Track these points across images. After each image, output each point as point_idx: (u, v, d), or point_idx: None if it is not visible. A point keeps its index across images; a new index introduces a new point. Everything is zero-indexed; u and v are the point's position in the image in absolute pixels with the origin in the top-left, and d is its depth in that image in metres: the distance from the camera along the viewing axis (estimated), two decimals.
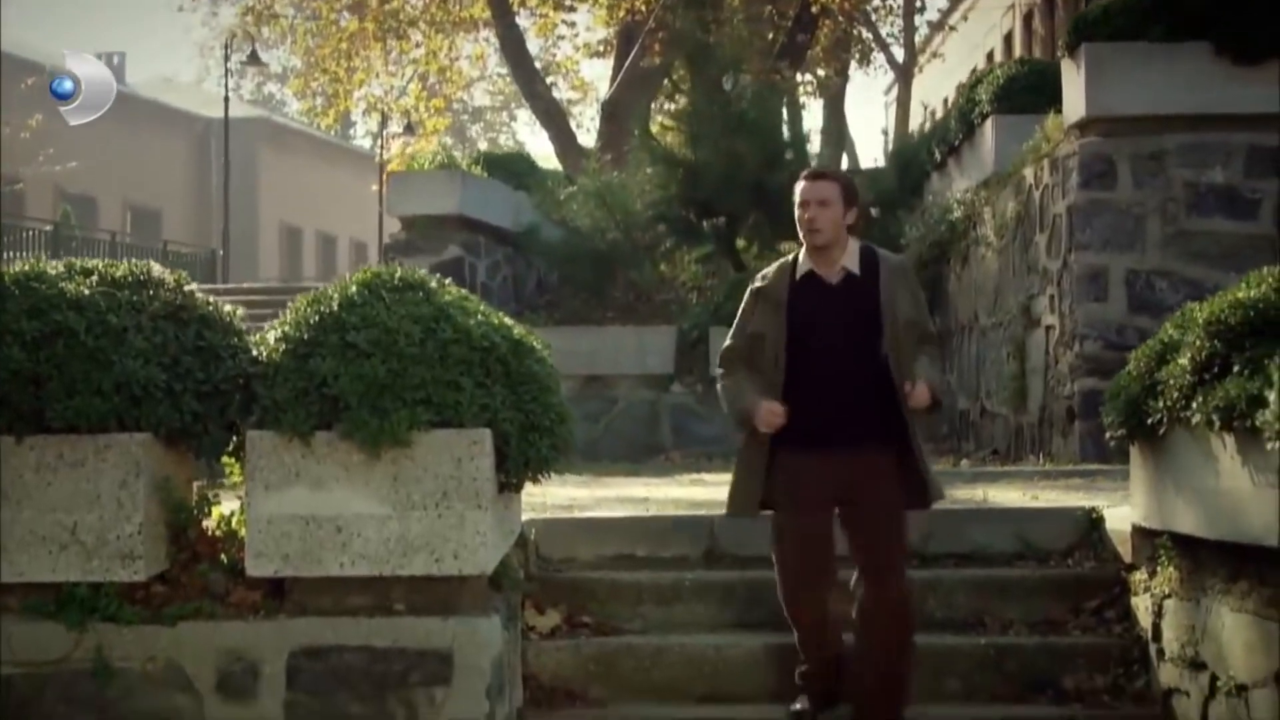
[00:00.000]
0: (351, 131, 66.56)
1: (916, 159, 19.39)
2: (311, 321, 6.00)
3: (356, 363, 5.88)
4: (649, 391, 18.14)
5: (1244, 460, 6.23)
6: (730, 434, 8.51)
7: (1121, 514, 7.97)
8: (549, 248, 20.06)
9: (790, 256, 6.62)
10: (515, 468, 6.12)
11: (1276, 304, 6.11)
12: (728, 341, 6.61)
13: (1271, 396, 5.47)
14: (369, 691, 5.90)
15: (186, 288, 6.37)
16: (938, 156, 18.33)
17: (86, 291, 6.05)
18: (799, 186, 6.52)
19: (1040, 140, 13.82)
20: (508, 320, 6.43)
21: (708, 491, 9.80)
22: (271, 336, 6.13)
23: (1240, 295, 6.39)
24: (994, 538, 8.22)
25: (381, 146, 41.94)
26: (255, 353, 6.16)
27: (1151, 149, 12.49)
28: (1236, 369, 6.19)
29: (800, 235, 6.49)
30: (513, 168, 21.77)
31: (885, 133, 41.55)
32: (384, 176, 29.63)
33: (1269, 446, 5.52)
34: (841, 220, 6.46)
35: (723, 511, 6.76)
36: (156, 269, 6.30)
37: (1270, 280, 6.35)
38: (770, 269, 6.63)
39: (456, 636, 5.94)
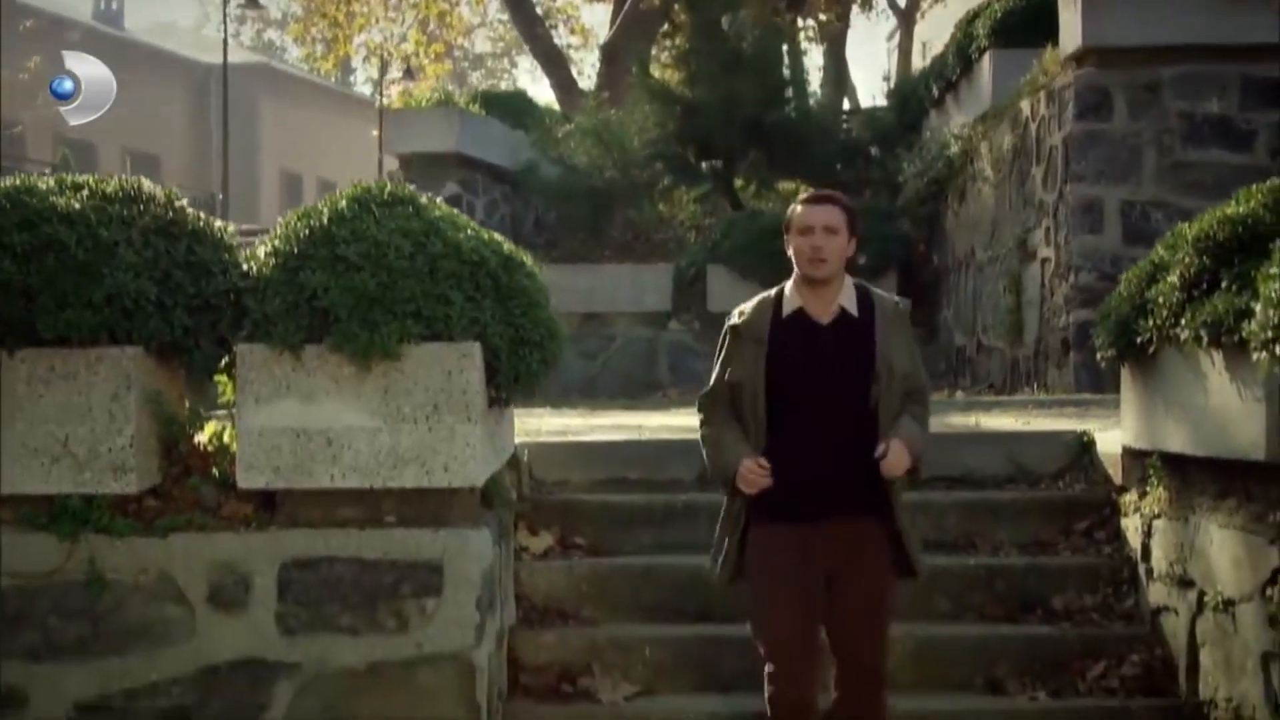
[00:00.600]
0: (352, 78, 66.39)
1: (915, 95, 19.35)
2: (301, 235, 6.00)
3: (346, 276, 5.89)
4: (646, 329, 18.17)
5: (1232, 376, 6.25)
6: None
7: (1112, 437, 7.99)
8: (547, 186, 20.05)
9: (773, 291, 5.66)
10: (505, 381, 6.14)
11: (1265, 219, 6.12)
12: (707, 386, 5.68)
13: (1258, 308, 5.49)
14: (360, 602, 5.93)
15: (178, 203, 6.38)
16: (935, 93, 18.29)
17: (77, 205, 6.06)
18: (800, 210, 5.61)
19: (1037, 73, 13.79)
20: (498, 236, 6.44)
21: None
22: (262, 251, 6.14)
23: (1229, 211, 6.40)
24: (985, 461, 8.26)
25: (381, 93, 41.85)
26: (246, 267, 6.17)
27: (1147, 80, 12.47)
28: (1225, 284, 6.20)
29: (798, 265, 5.56)
30: (511, 106, 21.75)
31: (886, 78, 41.40)
32: (383, 120, 29.55)
33: (1255, 358, 5.54)
34: (845, 251, 5.59)
35: None
36: (147, 184, 6.31)
37: (1260, 196, 6.36)
38: (749, 304, 5.65)
39: (447, 548, 5.98)
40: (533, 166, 20.21)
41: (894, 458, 5.42)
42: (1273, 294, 5.35)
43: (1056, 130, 12.74)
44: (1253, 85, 12.27)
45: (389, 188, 6.24)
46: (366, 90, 60.98)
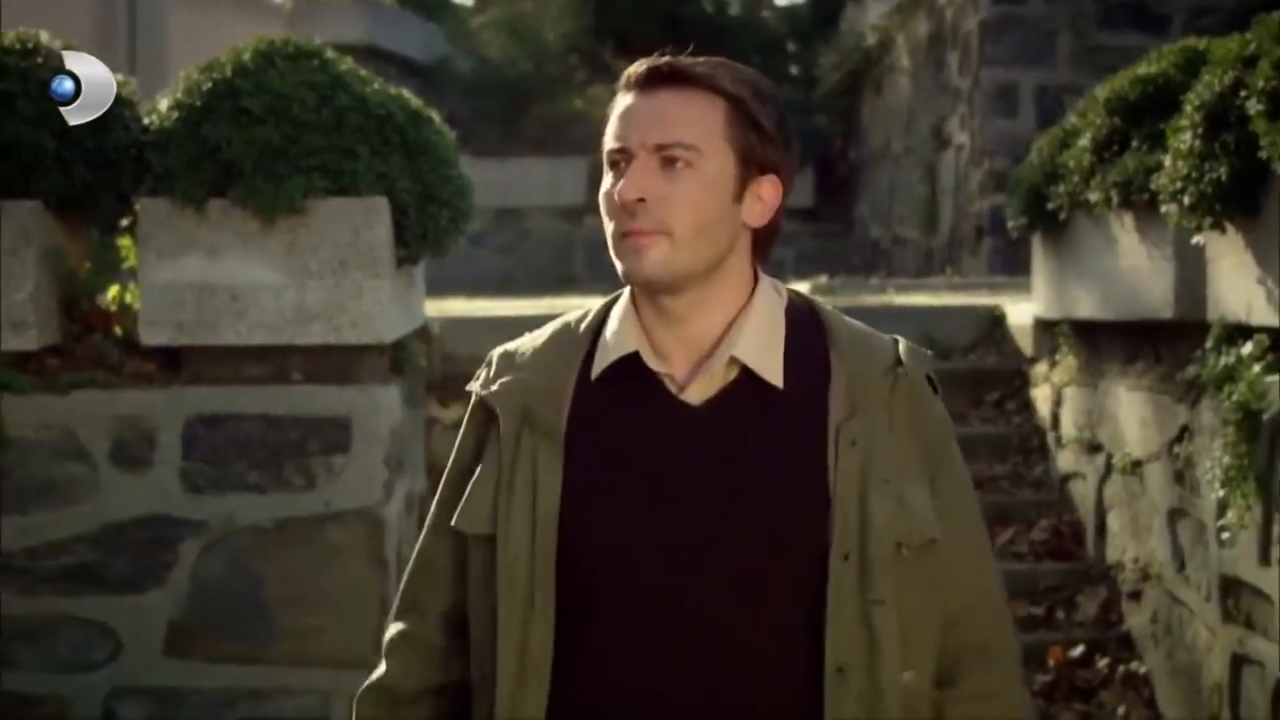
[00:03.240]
0: None
1: None
2: (204, 88, 5.88)
3: (250, 128, 5.78)
4: (562, 223, 18.06)
5: (1142, 236, 6.27)
6: None
7: (1024, 309, 8.02)
8: (460, 80, 19.84)
9: (593, 312, 2.41)
10: (414, 239, 6.06)
11: (1176, 78, 6.11)
12: (413, 559, 2.49)
13: (1167, 160, 5.48)
14: (266, 459, 5.86)
15: None
16: None
17: None
18: (615, 106, 2.35)
19: None
20: (405, 92, 6.34)
21: None
22: (164, 105, 6.01)
23: (1141, 71, 6.39)
24: (900, 334, 8.26)
25: None
26: (147, 121, 6.04)
27: None
28: (1136, 144, 6.20)
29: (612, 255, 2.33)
30: None
31: None
32: (293, 14, 29.24)
33: (1164, 210, 5.54)
34: (727, 207, 2.31)
35: None
36: (45, 36, 6.15)
37: (1171, 56, 6.35)
38: (529, 341, 2.44)
39: (355, 405, 5.91)
40: (447, 60, 19.99)
41: None
42: (1181, 146, 5.35)
43: (972, 15, 12.72)
44: None
45: (293, 40, 6.12)
46: None
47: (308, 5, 21.02)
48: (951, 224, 13.41)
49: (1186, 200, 5.31)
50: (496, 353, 2.43)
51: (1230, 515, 5.27)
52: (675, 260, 2.26)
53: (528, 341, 2.43)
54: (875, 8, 16.37)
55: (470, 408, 2.43)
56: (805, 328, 2.36)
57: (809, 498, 2.27)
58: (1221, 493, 5.32)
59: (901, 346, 2.37)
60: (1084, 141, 6.57)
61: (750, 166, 2.31)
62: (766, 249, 2.38)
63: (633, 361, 2.31)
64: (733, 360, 2.29)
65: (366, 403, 5.92)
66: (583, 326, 2.39)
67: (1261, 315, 5.26)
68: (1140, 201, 6.05)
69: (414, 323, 6.87)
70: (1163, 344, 6.38)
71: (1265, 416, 5.05)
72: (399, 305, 6.23)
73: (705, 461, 2.28)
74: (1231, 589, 5.47)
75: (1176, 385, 6.04)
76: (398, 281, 6.16)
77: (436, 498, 2.45)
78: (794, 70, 19.64)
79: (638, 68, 2.33)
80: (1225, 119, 5.17)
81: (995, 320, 8.35)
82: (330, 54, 6.18)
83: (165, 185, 5.84)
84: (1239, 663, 5.43)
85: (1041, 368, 7.63)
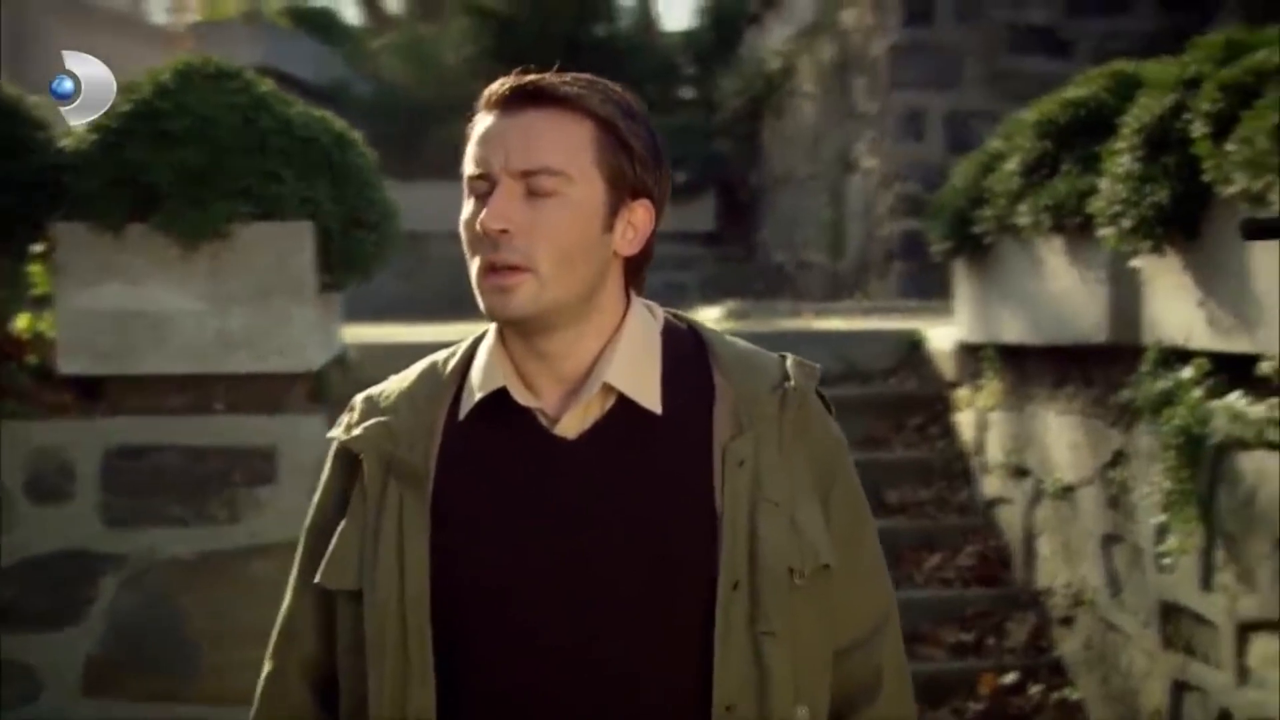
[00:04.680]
0: (147, 6, 64.75)
1: (732, 12, 19.24)
2: (123, 110, 5.71)
3: (171, 152, 5.62)
4: (462, 248, 17.93)
5: (1073, 260, 6.24)
6: None
7: (944, 334, 8.00)
8: (359, 103, 19.68)
9: (459, 350, 2.26)
10: (339, 264, 5.93)
11: (1109, 101, 6.10)
12: (280, 619, 2.33)
13: (1103, 184, 5.46)
14: (189, 491, 5.71)
15: None
16: (753, 9, 18.22)
17: None
18: (476, 125, 2.20)
19: None
20: (329, 114, 6.21)
21: None
22: (81, 127, 5.84)
23: (1071, 95, 6.38)
24: (818, 360, 8.18)
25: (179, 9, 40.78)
26: (63, 145, 5.87)
27: None
28: (1066, 168, 6.17)
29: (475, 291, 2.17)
30: (319, 22, 21.32)
31: None
32: (188, 35, 28.97)
33: (1100, 234, 5.52)
34: (597, 237, 2.15)
35: None
36: None
37: (1101, 80, 6.34)
38: (395, 384, 2.26)
39: (280, 435, 5.77)
40: (344, 83, 19.83)
41: None
42: (1119, 169, 5.33)
43: (880, 40, 12.75)
44: None
45: (214, 60, 5.97)
46: (163, 18, 59.57)
47: (205, 26, 20.78)
48: (859, 248, 13.42)
49: (1126, 223, 5.28)
50: (359, 397, 2.26)
51: (1171, 541, 5.24)
52: (543, 298, 2.10)
53: (393, 384, 2.25)
54: (778, 31, 16.40)
55: (332, 455, 2.26)
56: (685, 349, 2.21)
57: (695, 523, 2.12)
58: (1161, 518, 5.30)
59: (789, 362, 2.24)
60: (1011, 165, 6.54)
61: (621, 192, 2.15)
62: (639, 276, 2.22)
63: (501, 398, 2.16)
64: (607, 388, 2.14)
65: (291, 432, 5.78)
66: (449, 365, 2.23)
67: (1201, 339, 5.25)
68: (1072, 225, 6.03)
69: (334, 350, 6.73)
70: (1094, 368, 6.35)
71: (1208, 442, 5.03)
72: (324, 332, 6.10)
73: (584, 496, 2.12)
74: (1171, 615, 5.45)
75: (1109, 409, 6.01)
76: (321, 306, 6.02)
77: (300, 552, 2.28)
78: (693, 94, 19.63)
79: (499, 86, 2.16)
80: (1166, 142, 5.15)
81: (914, 345, 8.32)
82: (251, 75, 6.04)
83: (83, 209, 5.68)
84: (1180, 689, 5.40)
85: (964, 392, 7.60)
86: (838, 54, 13.95)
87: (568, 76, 2.16)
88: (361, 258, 5.96)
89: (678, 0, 51.56)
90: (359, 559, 2.17)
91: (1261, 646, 4.90)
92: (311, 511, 2.27)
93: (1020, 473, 6.87)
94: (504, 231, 2.10)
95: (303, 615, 2.27)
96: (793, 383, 2.21)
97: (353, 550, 2.18)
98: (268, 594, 5.60)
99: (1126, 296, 5.83)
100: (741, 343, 2.27)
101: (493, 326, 2.20)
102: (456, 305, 17.92)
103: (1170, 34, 8.94)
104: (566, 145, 2.12)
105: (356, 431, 2.21)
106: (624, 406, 2.15)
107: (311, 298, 5.80)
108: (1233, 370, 5.12)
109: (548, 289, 2.10)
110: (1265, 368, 4.82)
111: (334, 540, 2.20)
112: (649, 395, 2.16)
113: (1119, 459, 5.86)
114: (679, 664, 2.12)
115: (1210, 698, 5.18)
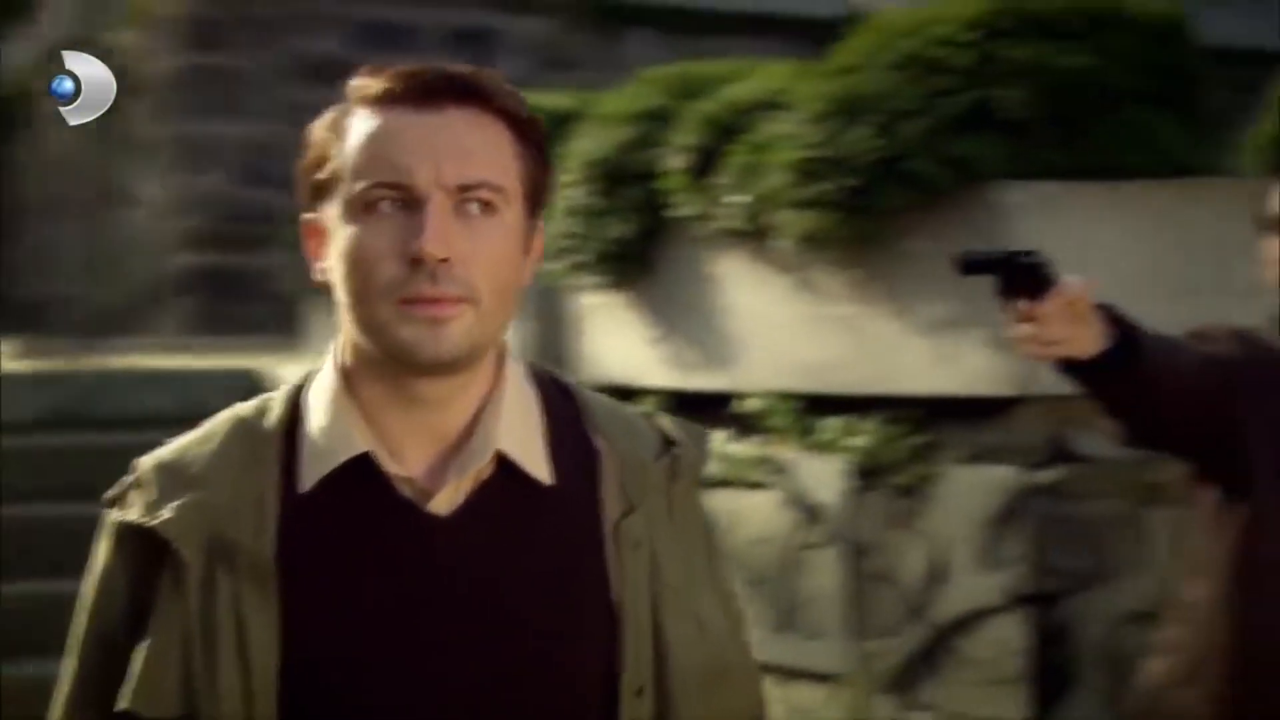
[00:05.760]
0: None
1: None
2: None
3: None
4: None
5: None
6: None
7: (297, 372, 7.68)
8: None
9: (280, 396, 1.82)
10: None
11: None
12: None
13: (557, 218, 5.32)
14: None
15: None
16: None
17: None
18: (361, 123, 1.72)
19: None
20: None
21: None
22: None
23: None
24: (165, 401, 7.82)
25: None
26: None
27: (263, 15, 12.23)
28: None
29: (364, 326, 1.72)
30: None
31: None
32: None
33: (545, 267, 5.36)
34: (520, 262, 1.76)
35: None
36: None
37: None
38: (189, 453, 1.75)
39: None
40: None
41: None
42: (571, 202, 5.19)
43: (159, 63, 12.27)
44: (364, 27, 12.30)
45: None
46: None
47: None
48: (136, 281, 12.86)
49: (580, 258, 5.16)
50: (148, 465, 1.75)
51: None
52: (476, 333, 1.70)
53: (192, 447, 1.75)
54: (24, 48, 15.46)
55: (113, 539, 1.75)
56: (558, 406, 1.82)
57: (592, 617, 1.76)
58: None
59: (666, 423, 1.87)
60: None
61: (535, 208, 1.77)
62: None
63: (357, 464, 1.72)
64: (495, 458, 1.74)
65: None
66: (268, 422, 1.76)
67: (655, 376, 5.17)
68: None
69: None
70: None
71: None
72: None
73: (461, 586, 1.72)
74: None
75: None
76: None
77: (73, 668, 1.76)
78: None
79: (407, 74, 1.71)
80: (623, 176, 5.07)
81: (254, 381, 8.01)
82: None
83: None
84: None
85: None
86: (115, 74, 13.28)
87: (470, 68, 1.74)
88: None
89: None
90: (183, 679, 1.68)
91: None
92: (87, 617, 1.74)
93: None
94: (444, 260, 1.67)
95: None
96: (679, 448, 1.84)
97: (171, 669, 1.68)
98: None
99: (554, 334, 5.69)
100: (605, 397, 1.88)
101: (324, 371, 1.77)
102: None
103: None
104: (499, 154, 1.72)
105: (166, 514, 1.69)
106: (505, 476, 1.75)
107: None
108: (693, 409, 5.07)
109: (483, 324, 1.71)
110: (749, 405, 4.79)
111: (141, 656, 1.69)
112: (536, 463, 1.77)
113: None
114: None
115: None
